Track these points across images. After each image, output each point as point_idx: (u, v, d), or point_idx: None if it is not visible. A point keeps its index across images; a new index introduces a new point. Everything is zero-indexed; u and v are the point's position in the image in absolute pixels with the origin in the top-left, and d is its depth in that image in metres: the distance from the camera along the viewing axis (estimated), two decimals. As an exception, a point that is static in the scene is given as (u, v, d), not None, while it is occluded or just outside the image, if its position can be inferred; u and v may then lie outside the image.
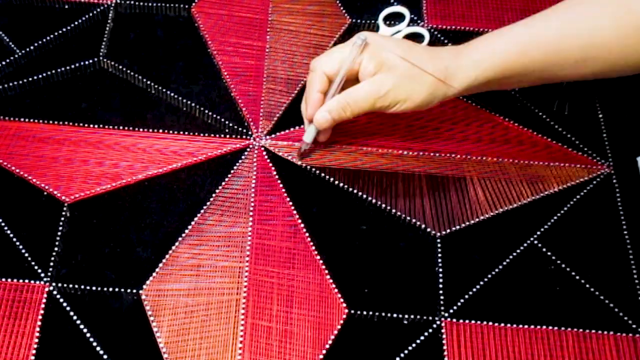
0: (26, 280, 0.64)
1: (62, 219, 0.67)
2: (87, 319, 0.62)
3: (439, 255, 0.67)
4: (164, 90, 0.75)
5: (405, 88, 0.62)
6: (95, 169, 0.70)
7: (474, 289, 0.66)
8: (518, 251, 0.68)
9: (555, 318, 0.65)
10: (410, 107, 0.63)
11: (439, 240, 0.68)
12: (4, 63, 0.76)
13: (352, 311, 0.64)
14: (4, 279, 0.64)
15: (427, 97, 0.63)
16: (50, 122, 0.72)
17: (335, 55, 0.65)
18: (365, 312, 0.64)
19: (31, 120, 0.72)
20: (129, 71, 0.76)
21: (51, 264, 0.65)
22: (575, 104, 0.77)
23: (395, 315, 0.64)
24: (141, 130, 0.73)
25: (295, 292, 0.65)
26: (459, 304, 0.65)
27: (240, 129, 0.74)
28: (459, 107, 0.76)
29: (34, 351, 0.60)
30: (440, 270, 0.67)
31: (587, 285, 0.67)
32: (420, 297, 0.65)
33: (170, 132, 0.73)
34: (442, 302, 0.65)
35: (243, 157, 0.72)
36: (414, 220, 0.69)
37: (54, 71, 0.75)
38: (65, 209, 0.68)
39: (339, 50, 0.65)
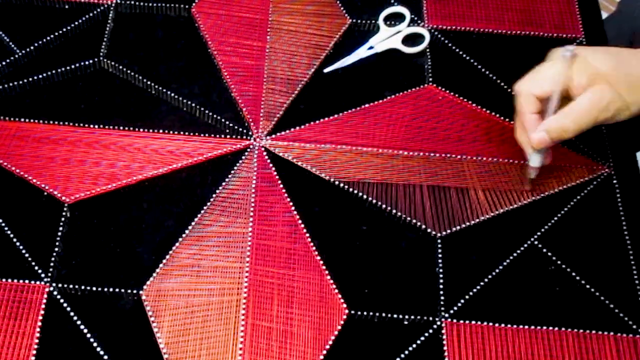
0: (26, 281, 0.64)
1: (62, 219, 0.67)
2: (87, 319, 0.62)
3: (439, 255, 0.67)
4: (164, 90, 0.75)
5: (624, 96, 0.60)
6: (95, 169, 0.70)
7: (474, 290, 0.66)
8: (518, 252, 0.68)
9: (555, 318, 0.65)
10: (630, 115, 0.62)
11: (439, 241, 0.68)
12: (4, 63, 0.75)
13: (352, 311, 0.64)
14: (4, 279, 0.64)
15: None
16: (50, 122, 0.72)
17: (542, 76, 0.63)
18: (365, 313, 0.64)
19: (31, 120, 0.72)
20: (129, 71, 0.76)
21: (51, 264, 0.65)
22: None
23: (395, 315, 0.64)
24: (141, 130, 0.73)
25: (295, 293, 0.65)
26: (459, 304, 0.65)
27: (240, 129, 0.74)
28: (457, 106, 0.76)
29: (34, 351, 0.60)
30: (441, 270, 0.67)
31: (587, 286, 0.67)
32: (421, 297, 0.65)
33: (170, 132, 0.73)
34: (442, 303, 0.65)
35: (243, 157, 0.72)
36: (414, 221, 0.69)
37: (54, 71, 0.75)
38: (65, 209, 0.68)
39: (544, 69, 0.63)
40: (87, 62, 0.76)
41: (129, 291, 0.64)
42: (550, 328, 0.64)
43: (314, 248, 0.67)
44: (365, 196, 0.70)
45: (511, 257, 0.68)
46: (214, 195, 0.69)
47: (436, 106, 0.76)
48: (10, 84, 0.74)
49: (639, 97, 0.61)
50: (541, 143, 0.64)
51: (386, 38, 0.80)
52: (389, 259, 0.67)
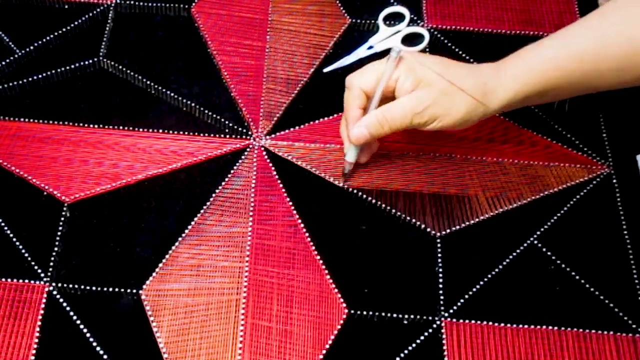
0: (26, 280, 0.64)
1: (62, 219, 0.67)
2: (87, 319, 0.62)
3: (439, 255, 0.67)
4: (164, 90, 0.75)
5: (443, 105, 0.61)
6: (95, 169, 0.70)
7: (474, 289, 0.66)
8: (518, 251, 0.68)
9: (555, 318, 0.65)
10: (448, 124, 0.62)
11: (439, 240, 0.68)
12: (4, 63, 0.76)
13: (352, 311, 0.64)
14: (4, 279, 0.64)
15: (466, 114, 0.62)
16: (50, 122, 0.73)
17: (371, 71, 0.63)
18: (365, 312, 0.64)
19: (31, 120, 0.72)
20: (129, 71, 0.76)
21: (51, 264, 0.65)
22: (575, 103, 0.77)
23: (395, 315, 0.64)
24: (141, 130, 0.73)
25: (295, 292, 0.65)
26: (459, 304, 0.65)
27: (240, 129, 0.74)
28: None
29: (34, 351, 0.60)
30: (440, 270, 0.67)
31: (587, 285, 0.67)
32: (420, 297, 0.65)
33: (170, 132, 0.73)
34: (442, 302, 0.65)
35: (243, 157, 0.72)
36: (414, 220, 0.69)
37: (54, 71, 0.75)
38: (65, 209, 0.68)
39: (374, 66, 0.64)
40: (87, 62, 0.76)
41: (129, 291, 0.64)
42: (550, 328, 0.64)
43: (313, 248, 0.67)
44: (365, 196, 0.70)
45: (511, 257, 0.68)
46: (214, 195, 0.69)
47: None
48: (10, 84, 0.74)
49: (456, 107, 0.61)
50: (359, 137, 0.64)
51: (386, 38, 0.80)
52: (388, 258, 0.67)
